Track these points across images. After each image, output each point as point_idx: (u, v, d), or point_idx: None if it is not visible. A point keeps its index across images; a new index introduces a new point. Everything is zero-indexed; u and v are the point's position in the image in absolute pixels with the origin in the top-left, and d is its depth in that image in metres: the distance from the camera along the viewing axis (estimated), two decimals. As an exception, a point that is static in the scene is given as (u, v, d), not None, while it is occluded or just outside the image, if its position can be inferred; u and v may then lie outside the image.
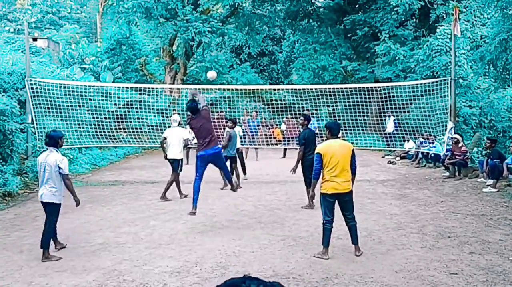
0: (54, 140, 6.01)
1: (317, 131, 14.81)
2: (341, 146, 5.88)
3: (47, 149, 6.12)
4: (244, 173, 12.02)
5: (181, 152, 9.78)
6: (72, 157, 13.75)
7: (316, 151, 5.98)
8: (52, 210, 6.02)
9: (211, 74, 9.03)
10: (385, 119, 17.40)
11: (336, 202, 5.91)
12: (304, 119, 8.90)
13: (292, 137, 16.65)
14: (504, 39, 12.69)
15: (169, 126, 10.76)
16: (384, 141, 16.66)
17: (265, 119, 19.33)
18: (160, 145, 10.24)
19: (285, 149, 17.10)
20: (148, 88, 18.29)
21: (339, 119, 16.80)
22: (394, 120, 16.87)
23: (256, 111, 18.50)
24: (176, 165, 9.66)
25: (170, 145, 9.69)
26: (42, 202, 6.10)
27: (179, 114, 17.86)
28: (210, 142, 7.47)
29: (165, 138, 9.79)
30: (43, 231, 6.02)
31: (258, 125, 16.84)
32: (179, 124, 10.05)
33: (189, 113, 7.82)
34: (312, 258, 5.86)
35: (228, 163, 9.85)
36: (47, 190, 5.96)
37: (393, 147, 15.96)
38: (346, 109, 15.51)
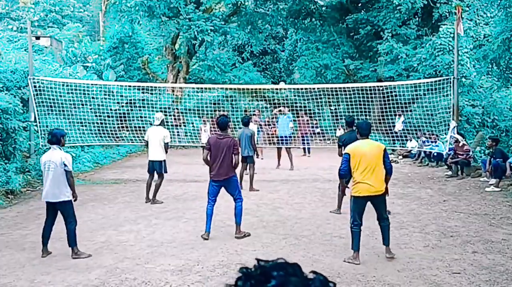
0: (56, 138, 6.00)
1: (291, 125, 14.65)
2: (371, 147, 5.70)
3: (49, 148, 6.12)
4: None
5: (162, 152, 9.13)
6: (75, 155, 13.77)
7: (345, 151, 5.82)
8: (67, 209, 5.97)
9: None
10: (393, 119, 17.32)
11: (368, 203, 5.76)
12: (346, 125, 8.42)
13: (305, 135, 16.40)
14: (507, 38, 12.62)
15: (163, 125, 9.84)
16: (387, 140, 16.60)
17: (268, 118, 19.30)
18: (145, 146, 9.78)
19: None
20: (151, 86, 18.27)
21: (341, 119, 16.77)
22: (403, 121, 16.85)
23: (259, 110, 18.44)
24: (157, 166, 9.17)
25: (150, 146, 9.19)
26: (51, 203, 5.98)
27: (181, 113, 17.95)
28: (228, 171, 6.85)
29: (147, 142, 9.27)
30: (67, 232, 5.93)
31: (260, 125, 16.71)
32: (162, 123, 9.26)
33: (217, 127, 7.07)
34: (314, 256, 5.85)
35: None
36: (57, 189, 5.89)
37: (400, 147, 15.90)
38: (348, 109, 15.49)
